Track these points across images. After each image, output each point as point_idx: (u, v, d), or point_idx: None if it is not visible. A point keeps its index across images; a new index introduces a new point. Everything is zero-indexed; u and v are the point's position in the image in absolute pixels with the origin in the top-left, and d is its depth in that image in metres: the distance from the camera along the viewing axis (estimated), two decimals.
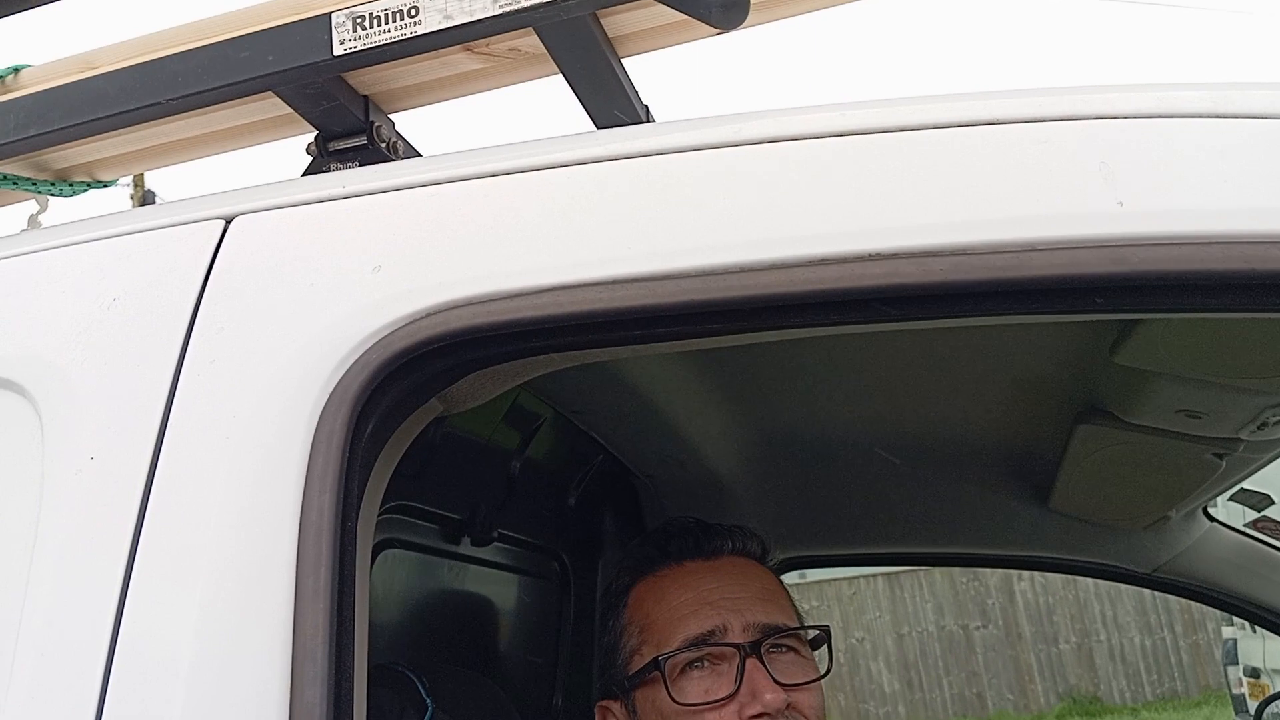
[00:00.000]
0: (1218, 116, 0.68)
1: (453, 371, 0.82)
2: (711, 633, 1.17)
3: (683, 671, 1.17)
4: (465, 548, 1.61)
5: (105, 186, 1.19)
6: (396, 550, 1.48)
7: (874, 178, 0.73)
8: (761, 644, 1.17)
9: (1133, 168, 0.67)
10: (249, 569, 0.72)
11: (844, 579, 11.34)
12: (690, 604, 1.20)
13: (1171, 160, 0.68)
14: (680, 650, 1.17)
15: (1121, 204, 0.66)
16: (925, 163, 0.72)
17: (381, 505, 0.84)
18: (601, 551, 1.93)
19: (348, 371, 0.77)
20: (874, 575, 11.33)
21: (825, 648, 1.26)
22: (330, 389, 0.76)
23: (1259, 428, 1.41)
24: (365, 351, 0.77)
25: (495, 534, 1.63)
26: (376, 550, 1.37)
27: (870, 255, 0.70)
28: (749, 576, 1.25)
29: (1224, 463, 1.55)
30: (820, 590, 11.16)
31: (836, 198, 0.73)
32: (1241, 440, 1.47)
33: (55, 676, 0.73)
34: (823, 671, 1.22)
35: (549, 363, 0.88)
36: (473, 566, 1.67)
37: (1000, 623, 11.30)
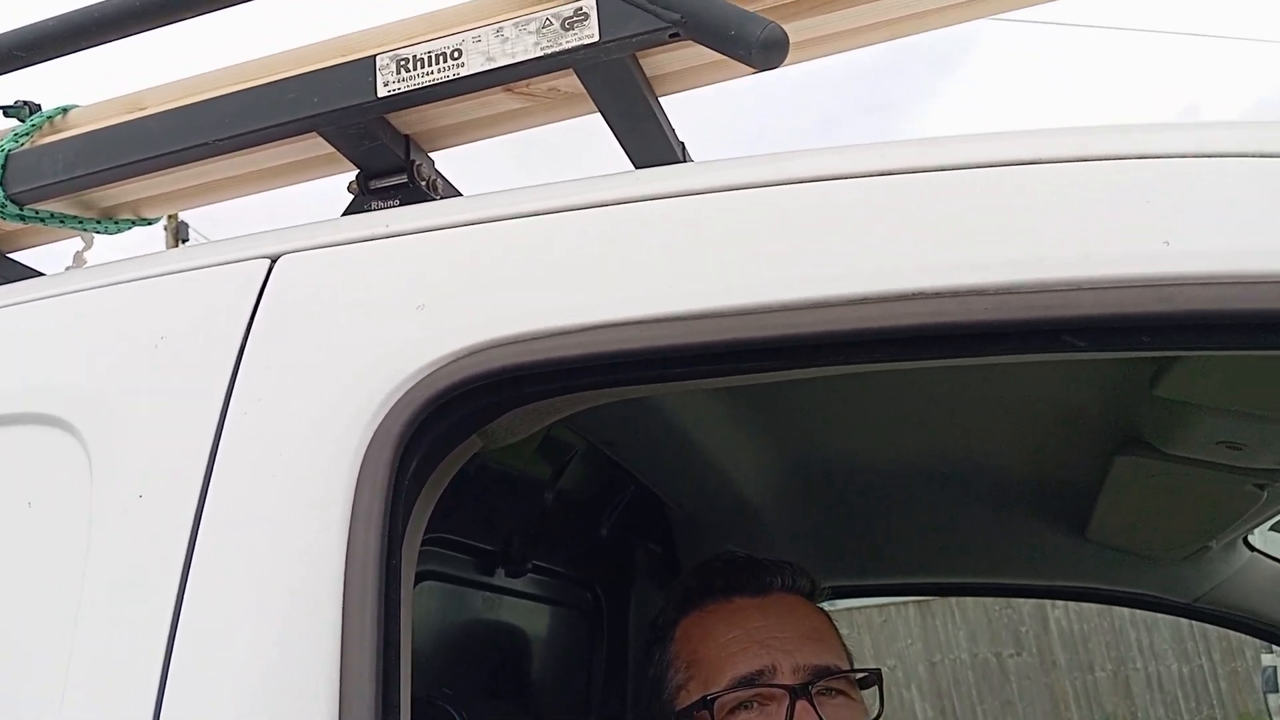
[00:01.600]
0: (1263, 155, 0.68)
1: (494, 408, 0.83)
2: (761, 672, 1.16)
3: (731, 712, 1.16)
4: (499, 579, 1.61)
5: (149, 224, 1.21)
6: (432, 582, 1.49)
7: (916, 217, 0.73)
8: (811, 686, 1.15)
9: (1179, 207, 0.67)
10: (296, 607, 0.72)
11: (875, 606, 11.22)
12: (739, 642, 1.19)
13: (1218, 199, 0.67)
14: (729, 690, 1.16)
15: (1168, 243, 0.66)
16: (968, 201, 0.72)
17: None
18: (634, 582, 1.92)
19: (392, 409, 0.77)
20: (905, 602, 11.21)
21: (876, 689, 1.24)
22: (375, 426, 0.77)
23: None
24: (410, 389, 0.77)
25: (529, 565, 1.63)
26: (414, 583, 1.38)
27: (914, 294, 0.70)
28: (798, 615, 1.24)
29: (1265, 493, 1.53)
30: (850, 617, 11.04)
31: (878, 236, 0.73)
32: None
33: (105, 715, 0.73)
34: (873, 716, 1.21)
35: (589, 398, 0.88)
36: (506, 598, 1.67)
37: (1035, 650, 11.14)
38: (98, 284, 0.97)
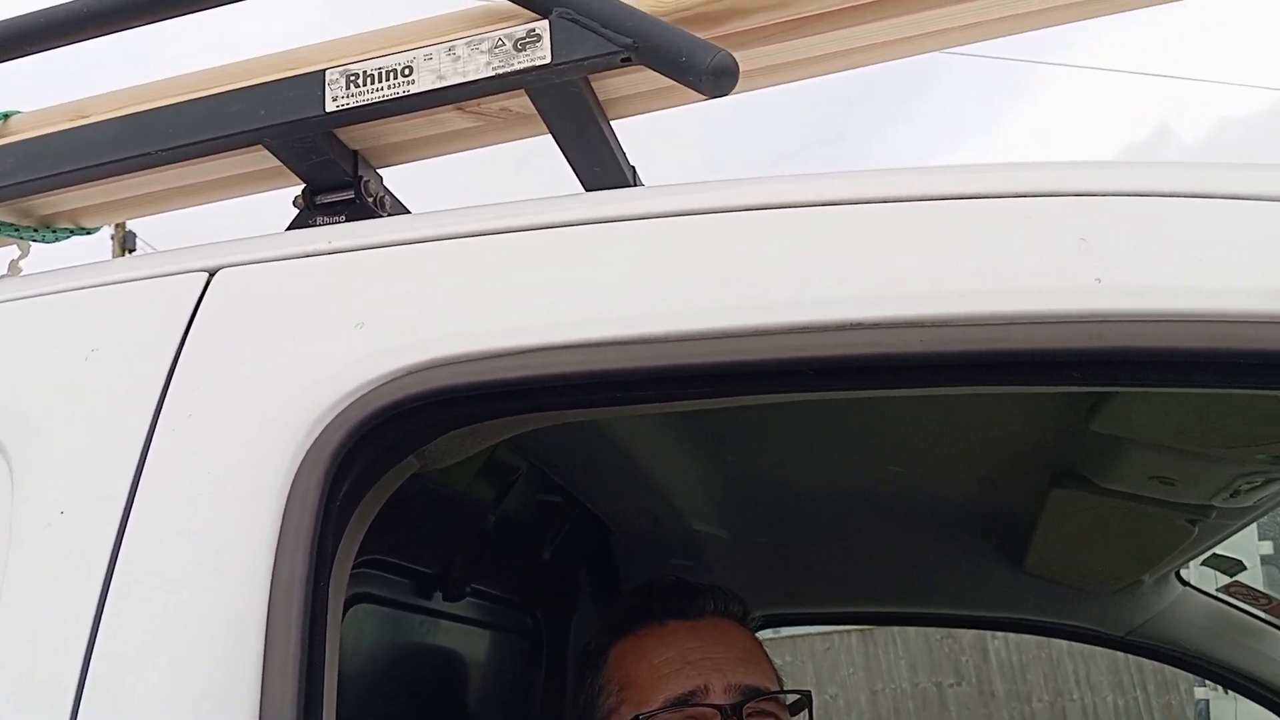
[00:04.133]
0: (1198, 196, 0.69)
1: (432, 429, 0.82)
2: (693, 693, 1.17)
3: None
4: (437, 603, 1.59)
5: (89, 233, 1.18)
6: (367, 605, 1.46)
7: (857, 248, 0.73)
8: (743, 706, 1.16)
9: (1112, 244, 0.68)
10: (218, 629, 0.70)
11: (818, 634, 11.25)
12: (672, 663, 1.20)
13: (1150, 238, 0.69)
14: (661, 710, 1.16)
15: (1100, 280, 0.67)
16: (908, 234, 0.73)
17: (354, 560, 0.83)
18: (575, 607, 1.91)
19: (326, 429, 0.76)
20: (848, 631, 11.25)
21: (805, 712, 1.25)
22: (307, 446, 0.75)
23: (1231, 495, 1.42)
24: (345, 409, 0.76)
25: (468, 589, 1.61)
26: (347, 605, 1.35)
27: (851, 325, 0.70)
28: (731, 637, 1.25)
29: (1197, 529, 1.56)
30: (794, 645, 11.06)
31: (819, 266, 0.73)
32: (1214, 507, 1.48)
33: None
34: None
35: (529, 422, 0.87)
36: (444, 622, 1.65)
37: (974, 680, 11.23)
38: (29, 294, 0.94)
